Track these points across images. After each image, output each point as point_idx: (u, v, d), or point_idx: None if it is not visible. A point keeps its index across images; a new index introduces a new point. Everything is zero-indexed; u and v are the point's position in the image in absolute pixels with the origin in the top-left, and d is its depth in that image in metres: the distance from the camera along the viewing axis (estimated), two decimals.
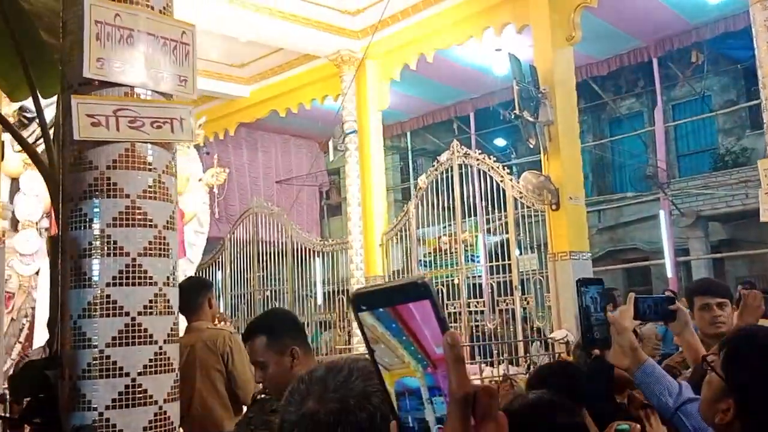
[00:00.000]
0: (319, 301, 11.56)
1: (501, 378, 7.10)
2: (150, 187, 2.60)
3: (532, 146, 7.87)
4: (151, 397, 2.47)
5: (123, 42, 2.58)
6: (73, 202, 2.57)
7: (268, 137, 14.97)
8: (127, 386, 2.44)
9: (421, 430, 0.68)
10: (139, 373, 2.46)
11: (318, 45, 9.92)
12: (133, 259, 2.52)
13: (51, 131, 2.92)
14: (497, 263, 8.82)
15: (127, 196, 2.55)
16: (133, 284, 2.51)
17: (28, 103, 3.29)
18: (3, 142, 4.42)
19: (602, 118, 14.70)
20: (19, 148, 6.12)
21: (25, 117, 4.72)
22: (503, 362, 7.54)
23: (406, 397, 0.68)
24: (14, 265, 7.80)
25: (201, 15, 8.51)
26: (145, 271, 2.53)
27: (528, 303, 8.42)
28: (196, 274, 11.00)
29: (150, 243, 2.56)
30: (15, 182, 7.86)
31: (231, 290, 12.10)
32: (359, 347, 9.72)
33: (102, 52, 2.53)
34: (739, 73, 13.28)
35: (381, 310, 0.67)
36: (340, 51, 9.96)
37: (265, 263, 11.84)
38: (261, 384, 2.38)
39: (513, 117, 7.77)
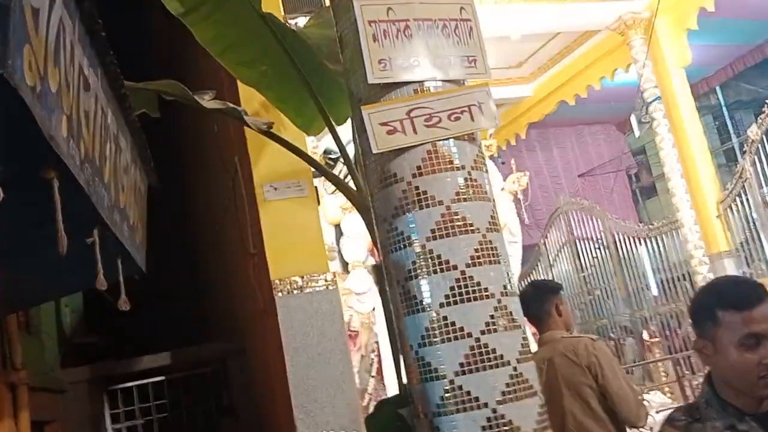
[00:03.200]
0: (654, 291, 10.47)
1: None
2: (462, 188, 2.27)
3: None
4: (518, 428, 2.09)
5: (401, 36, 2.31)
6: (387, 222, 2.34)
7: (559, 132, 14.32)
8: (488, 418, 2.09)
9: None
10: (498, 402, 2.10)
11: (596, 17, 9.12)
12: (462, 272, 2.18)
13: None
14: None
15: (441, 202, 2.24)
16: (468, 300, 2.17)
17: (331, 144, 3.19)
18: (316, 187, 4.54)
19: None
20: (331, 189, 6.40)
21: (330, 159, 4.86)
22: None
23: None
24: (353, 304, 8.22)
25: None
26: (478, 283, 2.18)
27: None
28: (519, 283, 10.74)
29: (476, 251, 2.21)
30: (338, 229, 8.36)
31: None
32: None
33: (382, 52, 2.28)
34: None
35: None
36: (623, 17, 9.03)
37: (586, 262, 11.13)
38: None
39: None
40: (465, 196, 2.26)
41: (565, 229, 11.44)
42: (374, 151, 2.26)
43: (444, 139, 2.29)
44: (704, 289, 1.68)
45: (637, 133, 9.27)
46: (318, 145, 6.05)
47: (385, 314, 2.49)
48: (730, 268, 8.52)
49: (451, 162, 2.29)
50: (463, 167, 2.29)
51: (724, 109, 13.88)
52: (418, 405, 2.22)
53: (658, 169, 13.84)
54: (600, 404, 2.81)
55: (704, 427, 1.51)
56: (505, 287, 2.24)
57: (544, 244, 11.96)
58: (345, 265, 8.53)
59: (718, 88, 13.44)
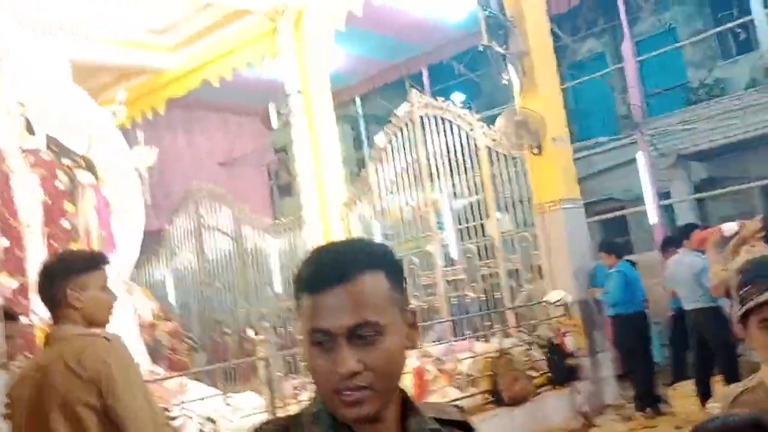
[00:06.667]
0: (277, 288, 10.39)
1: (497, 353, 6.11)
2: None
3: (505, 82, 6.82)
4: None
5: None
6: None
7: (205, 116, 13.68)
8: None
9: None
10: None
11: None
12: None
13: None
14: (473, 224, 7.81)
15: None
16: None
17: None
18: None
19: (561, 64, 13.73)
20: None
21: None
22: (495, 335, 6.53)
23: None
24: None
25: None
26: None
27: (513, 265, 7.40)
28: (134, 271, 9.79)
29: None
30: None
31: (176, 286, 10.85)
32: None
33: None
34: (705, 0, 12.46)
35: None
36: (275, 2, 8.73)
37: (213, 252, 10.63)
38: (354, 373, 1.00)
39: (481, 49, 6.70)
40: None
41: (195, 216, 10.81)
42: None
43: None
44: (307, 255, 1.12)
45: (274, 125, 9.05)
46: None
47: None
48: None
49: None
50: None
51: (361, 120, 14.64)
52: None
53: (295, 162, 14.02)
54: None
55: None
56: None
57: (171, 230, 11.18)
58: None
59: (358, 99, 14.11)
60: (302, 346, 1.05)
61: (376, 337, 1.00)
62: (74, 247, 8.08)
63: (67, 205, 8.04)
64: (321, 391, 1.03)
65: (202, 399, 4.57)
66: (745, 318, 1.57)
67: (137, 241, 9.46)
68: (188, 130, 13.60)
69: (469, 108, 13.47)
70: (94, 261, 2.29)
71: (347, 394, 0.99)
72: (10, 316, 3.11)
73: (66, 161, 8.13)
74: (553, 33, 12.68)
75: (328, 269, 1.02)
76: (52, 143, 8.04)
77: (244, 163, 14.40)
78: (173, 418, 3.19)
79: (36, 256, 7.51)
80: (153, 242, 11.12)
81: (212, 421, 4.31)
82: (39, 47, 8.35)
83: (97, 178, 8.46)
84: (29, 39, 8.30)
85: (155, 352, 8.26)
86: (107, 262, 2.30)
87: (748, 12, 11.27)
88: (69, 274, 2.18)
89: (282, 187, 16.42)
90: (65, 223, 8.01)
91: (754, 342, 1.54)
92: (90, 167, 8.43)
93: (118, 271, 8.53)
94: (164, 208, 12.18)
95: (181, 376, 6.62)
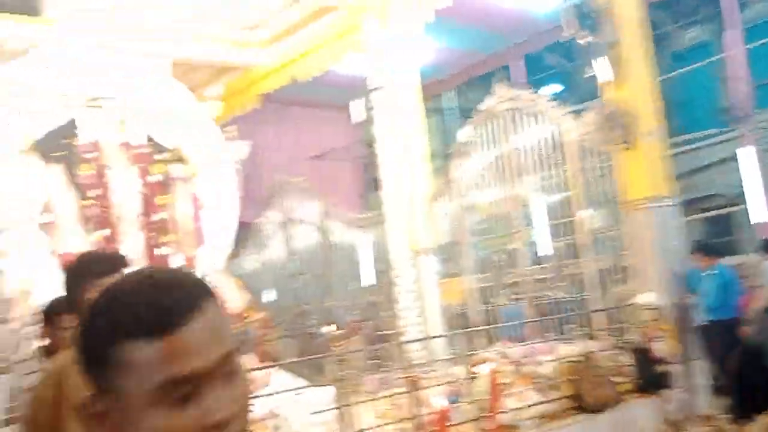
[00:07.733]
0: (364, 282, 10.39)
1: (581, 357, 5.85)
2: None
3: (593, 73, 6.49)
4: None
5: None
6: None
7: (296, 111, 13.94)
8: None
9: None
10: None
11: None
12: None
13: None
14: (559, 221, 7.50)
15: None
16: None
17: None
18: None
19: (664, 53, 13.03)
20: None
21: None
22: (580, 338, 6.25)
23: None
24: None
25: None
26: None
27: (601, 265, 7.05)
28: (228, 262, 10.03)
29: None
30: None
31: (265, 278, 11.08)
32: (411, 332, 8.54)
33: None
34: None
35: None
36: None
37: (299, 245, 10.77)
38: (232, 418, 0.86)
39: (568, 38, 6.41)
40: None
41: (282, 209, 11.00)
42: None
43: None
44: (102, 300, 0.86)
45: (358, 120, 9.04)
46: None
47: None
48: (430, 265, 8.63)
49: None
50: None
51: (454, 112, 14.45)
52: None
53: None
54: None
55: None
56: None
57: (263, 222, 11.44)
58: None
59: (450, 92, 13.94)
60: (130, 411, 0.81)
61: (238, 371, 0.82)
62: (167, 239, 8.41)
63: (161, 198, 8.36)
64: None
65: (270, 395, 4.57)
66: None
67: (231, 232, 9.67)
68: (280, 126, 13.90)
69: (565, 100, 13.03)
70: (113, 264, 2.24)
71: None
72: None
73: (161, 155, 8.46)
74: (653, 21, 12.07)
75: (176, 300, 0.81)
76: (149, 137, 8.36)
77: (336, 157, 14.55)
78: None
79: (132, 248, 7.84)
80: (245, 234, 11.41)
81: (276, 415, 4.32)
82: (141, 48, 8.65)
83: (190, 171, 8.75)
84: (133, 42, 8.57)
85: (243, 343, 8.46)
86: (127, 265, 2.25)
87: None
88: (87, 275, 2.16)
89: (374, 180, 16.49)
90: (159, 216, 8.34)
91: None
92: (184, 161, 8.71)
93: (210, 263, 8.82)
94: (257, 201, 12.51)
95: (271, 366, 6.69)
